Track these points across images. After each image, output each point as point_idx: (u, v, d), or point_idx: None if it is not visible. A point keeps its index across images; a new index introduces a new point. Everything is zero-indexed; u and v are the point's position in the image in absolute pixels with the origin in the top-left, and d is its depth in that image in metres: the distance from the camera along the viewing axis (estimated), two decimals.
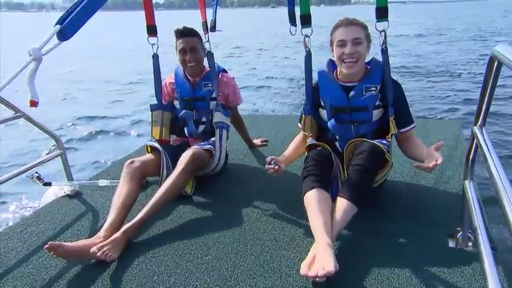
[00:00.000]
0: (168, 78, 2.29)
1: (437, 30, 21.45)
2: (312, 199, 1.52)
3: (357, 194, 1.51)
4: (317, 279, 1.25)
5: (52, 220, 1.82)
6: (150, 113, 2.20)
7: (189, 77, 2.19)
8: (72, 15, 1.60)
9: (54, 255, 1.39)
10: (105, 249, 1.44)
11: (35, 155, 3.95)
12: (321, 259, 1.29)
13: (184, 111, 2.20)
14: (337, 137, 1.84)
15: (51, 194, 2.13)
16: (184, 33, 2.07)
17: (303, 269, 1.30)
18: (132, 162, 1.86)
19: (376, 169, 1.62)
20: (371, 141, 1.65)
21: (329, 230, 1.41)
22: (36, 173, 2.05)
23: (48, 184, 2.09)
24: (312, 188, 1.55)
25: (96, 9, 1.68)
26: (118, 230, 1.54)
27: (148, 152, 2.09)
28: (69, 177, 2.14)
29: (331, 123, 1.81)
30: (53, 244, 1.37)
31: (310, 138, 1.83)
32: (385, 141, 1.68)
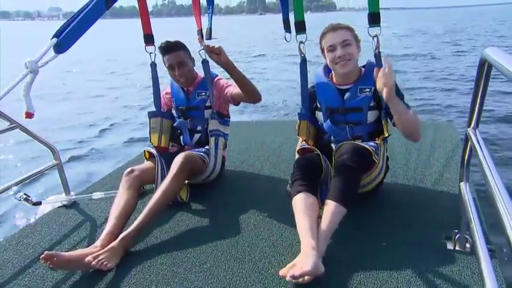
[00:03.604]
0: (166, 89, 2.30)
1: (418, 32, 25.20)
2: (299, 203, 1.55)
3: (343, 195, 1.52)
4: (294, 280, 1.25)
5: (49, 231, 1.81)
6: (148, 120, 2.20)
7: (183, 87, 2.20)
8: (69, 28, 1.63)
9: (50, 266, 1.36)
10: (100, 257, 1.43)
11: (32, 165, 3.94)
12: (301, 260, 1.30)
13: (179, 120, 2.21)
14: (332, 138, 1.88)
15: (48, 204, 2.12)
16: (169, 49, 2.06)
17: (283, 270, 1.31)
18: (131, 171, 1.87)
19: (359, 169, 1.62)
20: (355, 142, 1.69)
21: (314, 233, 1.42)
22: (25, 194, 2.03)
23: (38, 203, 2.07)
24: (299, 192, 1.58)
25: (93, 22, 1.70)
26: (115, 239, 1.53)
27: (146, 158, 2.09)
28: (66, 188, 2.13)
29: (326, 124, 1.86)
30: (49, 254, 1.35)
31: (303, 142, 1.88)
32: (372, 143, 1.71)
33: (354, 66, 1.77)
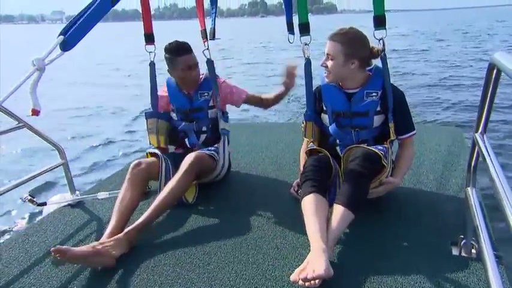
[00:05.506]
0: (160, 90, 2.22)
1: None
2: (309, 204, 1.54)
3: (352, 200, 1.51)
4: (306, 283, 1.24)
5: (54, 229, 1.82)
6: (145, 120, 2.18)
7: (183, 89, 2.17)
8: (75, 26, 1.64)
9: (61, 258, 1.39)
10: (106, 244, 1.47)
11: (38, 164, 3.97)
12: (312, 263, 1.29)
13: (184, 123, 2.19)
14: (337, 141, 1.87)
15: (53, 203, 2.14)
16: (185, 50, 2.06)
17: (294, 275, 1.29)
18: (138, 164, 1.88)
19: (369, 174, 1.61)
20: (366, 147, 1.67)
21: (324, 235, 1.41)
22: (29, 195, 2.04)
23: (43, 204, 2.08)
24: (310, 193, 1.57)
25: (98, 20, 1.72)
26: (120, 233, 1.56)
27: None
28: (71, 187, 2.15)
29: (332, 127, 1.85)
30: (60, 248, 1.39)
31: (311, 143, 1.87)
32: (381, 147, 1.69)
33: (334, 78, 1.78)
